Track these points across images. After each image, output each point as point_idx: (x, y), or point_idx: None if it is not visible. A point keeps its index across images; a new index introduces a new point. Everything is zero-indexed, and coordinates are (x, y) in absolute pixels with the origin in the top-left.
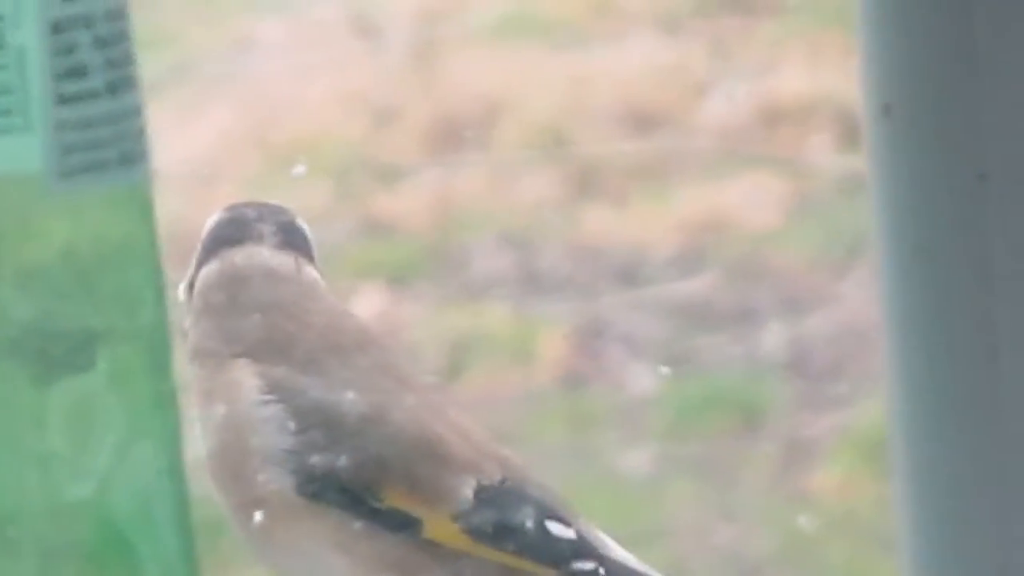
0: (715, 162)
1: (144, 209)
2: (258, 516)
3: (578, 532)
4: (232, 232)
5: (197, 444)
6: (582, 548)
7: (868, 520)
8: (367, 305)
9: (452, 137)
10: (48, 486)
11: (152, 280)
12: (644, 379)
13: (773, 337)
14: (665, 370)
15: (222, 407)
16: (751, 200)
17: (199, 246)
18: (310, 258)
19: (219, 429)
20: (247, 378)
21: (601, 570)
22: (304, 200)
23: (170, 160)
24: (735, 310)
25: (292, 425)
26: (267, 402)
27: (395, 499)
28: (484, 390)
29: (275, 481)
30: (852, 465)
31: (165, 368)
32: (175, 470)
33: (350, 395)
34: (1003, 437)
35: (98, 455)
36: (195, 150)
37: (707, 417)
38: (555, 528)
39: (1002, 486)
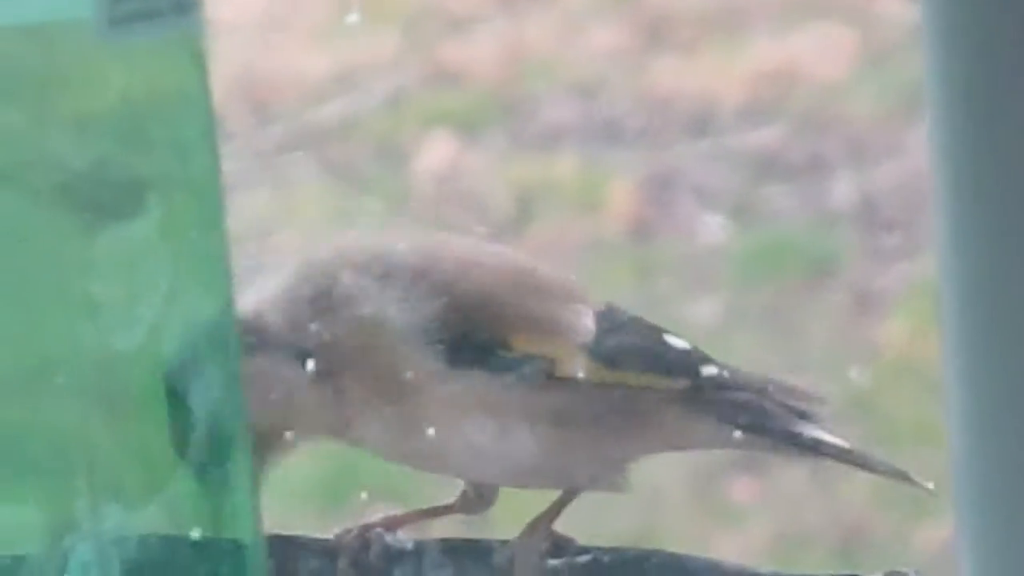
0: (784, 12)
1: (197, 57)
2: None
3: (688, 341)
4: None
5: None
6: (701, 356)
7: (937, 370)
8: (434, 154)
9: None
10: (97, 334)
11: (205, 128)
12: (713, 229)
13: (842, 188)
14: (719, 219)
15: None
16: (821, 50)
17: None
18: None
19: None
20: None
21: (725, 372)
22: (371, 49)
23: (235, 10)
24: (804, 161)
25: (418, 311)
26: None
27: (523, 344)
28: (552, 240)
29: (417, 363)
30: (921, 315)
31: (216, 217)
32: (225, 319)
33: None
34: None
35: (148, 303)
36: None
37: (775, 268)
38: (674, 341)
39: None
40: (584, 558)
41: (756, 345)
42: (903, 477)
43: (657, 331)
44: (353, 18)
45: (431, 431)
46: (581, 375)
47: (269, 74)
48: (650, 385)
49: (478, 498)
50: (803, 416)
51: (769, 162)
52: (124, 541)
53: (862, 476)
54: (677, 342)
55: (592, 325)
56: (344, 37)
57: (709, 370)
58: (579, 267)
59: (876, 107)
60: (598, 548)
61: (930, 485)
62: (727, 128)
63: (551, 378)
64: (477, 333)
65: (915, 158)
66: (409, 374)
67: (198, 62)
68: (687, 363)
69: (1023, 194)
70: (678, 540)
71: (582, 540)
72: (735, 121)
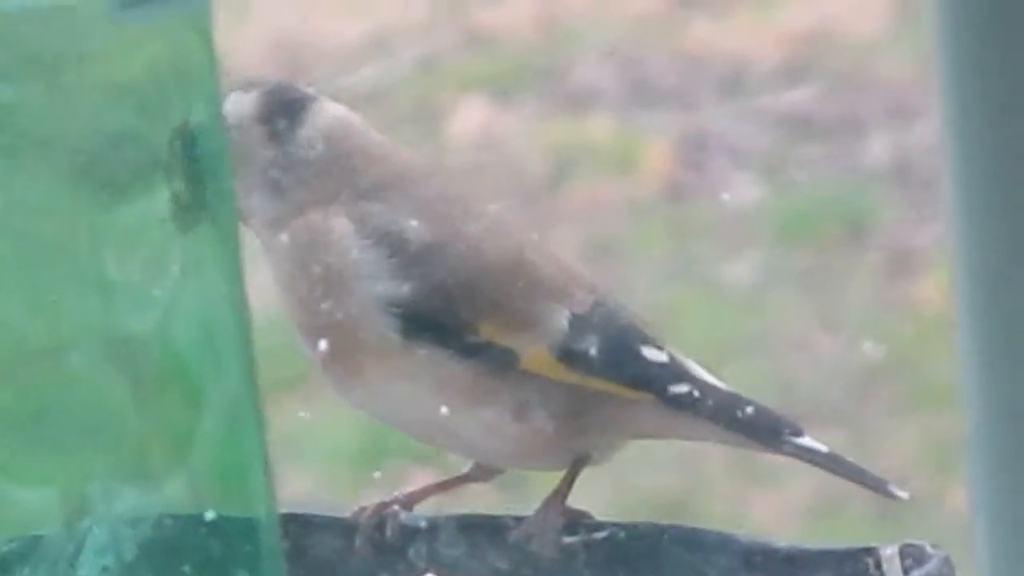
0: None
1: (205, 36)
2: (323, 345)
3: (670, 356)
4: (296, 94)
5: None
6: (676, 371)
7: None
8: (470, 118)
9: None
10: (112, 314)
11: (213, 107)
12: (748, 190)
13: (877, 147)
14: (753, 180)
15: (310, 254)
16: (853, 10)
17: (262, 112)
18: None
19: (289, 260)
20: (340, 223)
21: (695, 392)
22: (407, 13)
23: None
24: (839, 120)
25: (386, 274)
26: (364, 247)
27: (490, 333)
28: (588, 201)
29: (372, 325)
30: None
31: (227, 195)
32: (237, 298)
33: (429, 237)
34: None
35: (161, 284)
36: None
37: (811, 227)
38: (649, 353)
39: None
40: (600, 534)
41: (792, 305)
42: (881, 488)
43: (636, 341)
44: None
45: (385, 397)
46: (543, 373)
47: (304, 39)
48: (614, 393)
49: (489, 465)
50: (780, 426)
51: (803, 122)
52: (140, 522)
53: (904, 435)
54: (654, 355)
55: (565, 326)
56: (379, 3)
57: (678, 388)
58: (615, 228)
59: (909, 66)
60: (614, 524)
61: (905, 495)
62: (760, 89)
63: (515, 370)
64: (447, 314)
65: None
66: (362, 336)
67: (206, 41)
68: (657, 378)
69: None
70: (717, 502)
71: (624, 505)
72: (768, 82)
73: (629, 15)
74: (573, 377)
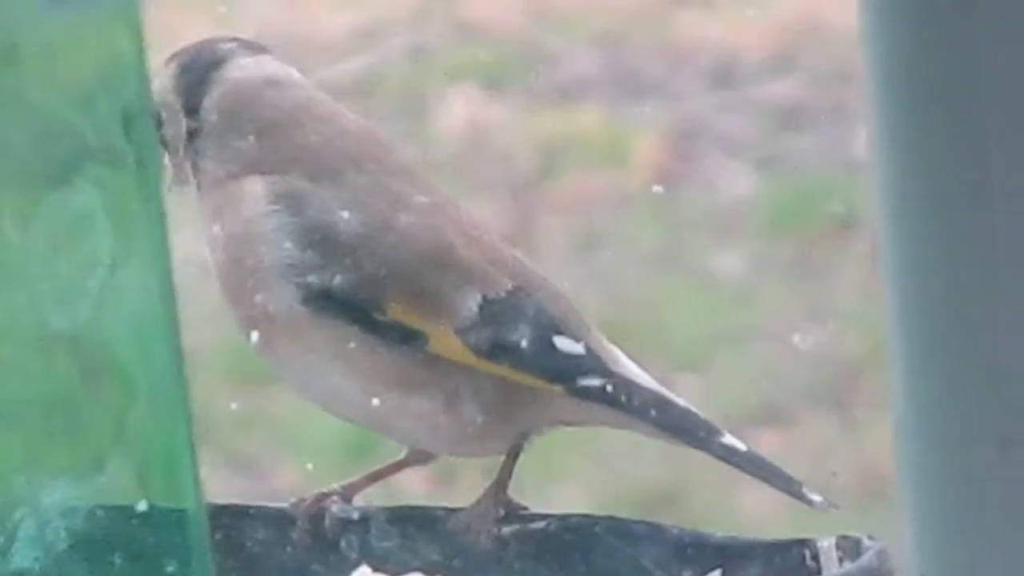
0: None
1: (134, 26)
2: (255, 335)
3: (587, 347)
4: (212, 55)
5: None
6: (590, 364)
7: None
8: (458, 108)
9: None
10: (40, 307)
11: (142, 98)
12: (737, 181)
13: (865, 137)
14: (743, 170)
15: (227, 223)
16: (841, 0)
17: (176, 83)
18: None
19: (225, 245)
20: (252, 191)
21: (608, 386)
22: (393, 4)
23: None
24: (827, 111)
25: (291, 243)
26: (270, 214)
27: (398, 313)
28: (576, 193)
29: (278, 295)
30: None
31: (155, 188)
32: (166, 290)
33: (345, 214)
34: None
35: (90, 276)
36: None
37: (800, 218)
38: (562, 343)
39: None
40: (535, 525)
41: (781, 296)
42: (796, 492)
43: (550, 330)
44: None
45: (299, 374)
46: (452, 358)
47: (291, 30)
48: (523, 382)
49: (424, 450)
50: (698, 426)
51: (791, 113)
52: (71, 513)
53: (889, 426)
54: (568, 346)
55: (475, 310)
56: None
57: (589, 381)
58: (603, 219)
59: None
60: (547, 515)
61: (818, 499)
62: (749, 80)
63: (421, 352)
64: (353, 290)
65: None
66: (270, 307)
67: (134, 31)
68: (566, 369)
69: (951, 171)
70: (706, 496)
71: (612, 496)
72: (757, 72)
73: (618, 7)
74: (481, 363)
